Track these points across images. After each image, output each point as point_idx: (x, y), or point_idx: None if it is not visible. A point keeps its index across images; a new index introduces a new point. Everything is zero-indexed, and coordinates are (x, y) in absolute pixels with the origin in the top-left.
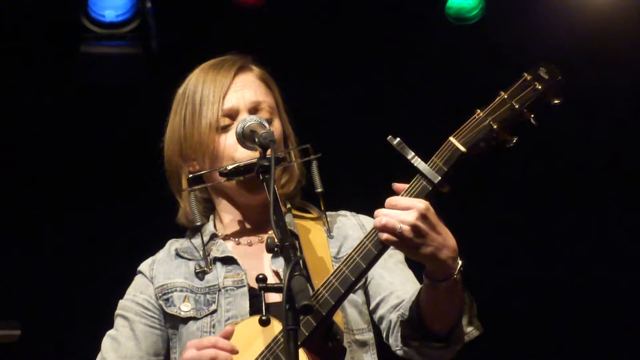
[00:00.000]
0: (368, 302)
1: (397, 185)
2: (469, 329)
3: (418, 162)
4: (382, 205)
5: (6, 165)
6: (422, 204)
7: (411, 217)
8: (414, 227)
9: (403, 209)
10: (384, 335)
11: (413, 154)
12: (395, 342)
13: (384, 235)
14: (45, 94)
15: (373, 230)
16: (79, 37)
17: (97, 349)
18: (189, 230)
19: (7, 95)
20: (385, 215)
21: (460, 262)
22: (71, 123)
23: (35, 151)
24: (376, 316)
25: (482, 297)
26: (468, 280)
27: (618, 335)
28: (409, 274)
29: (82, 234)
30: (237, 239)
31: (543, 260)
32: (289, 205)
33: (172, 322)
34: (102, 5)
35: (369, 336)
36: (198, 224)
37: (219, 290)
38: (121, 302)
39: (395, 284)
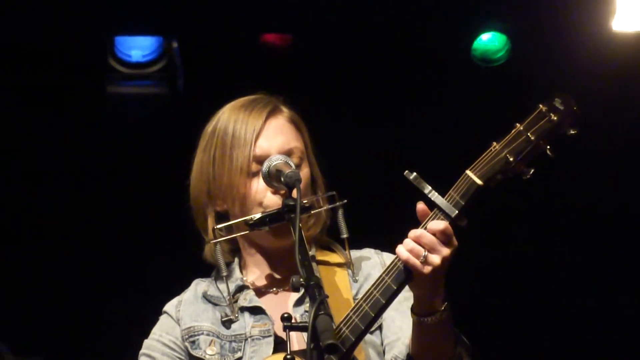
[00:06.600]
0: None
1: (421, 207)
2: None
3: (435, 197)
4: (399, 239)
5: (29, 203)
6: (453, 246)
7: (445, 252)
8: (444, 262)
9: (440, 241)
10: None
11: (430, 188)
12: None
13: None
14: (71, 134)
15: (392, 266)
16: (106, 77)
17: None
18: (215, 271)
19: (33, 136)
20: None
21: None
22: (97, 162)
23: (59, 190)
24: None
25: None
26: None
27: None
28: None
29: (106, 273)
30: (263, 287)
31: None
32: (312, 253)
33: None
34: (128, 45)
35: None
36: (224, 274)
37: (246, 340)
38: (146, 342)
39: (404, 329)
